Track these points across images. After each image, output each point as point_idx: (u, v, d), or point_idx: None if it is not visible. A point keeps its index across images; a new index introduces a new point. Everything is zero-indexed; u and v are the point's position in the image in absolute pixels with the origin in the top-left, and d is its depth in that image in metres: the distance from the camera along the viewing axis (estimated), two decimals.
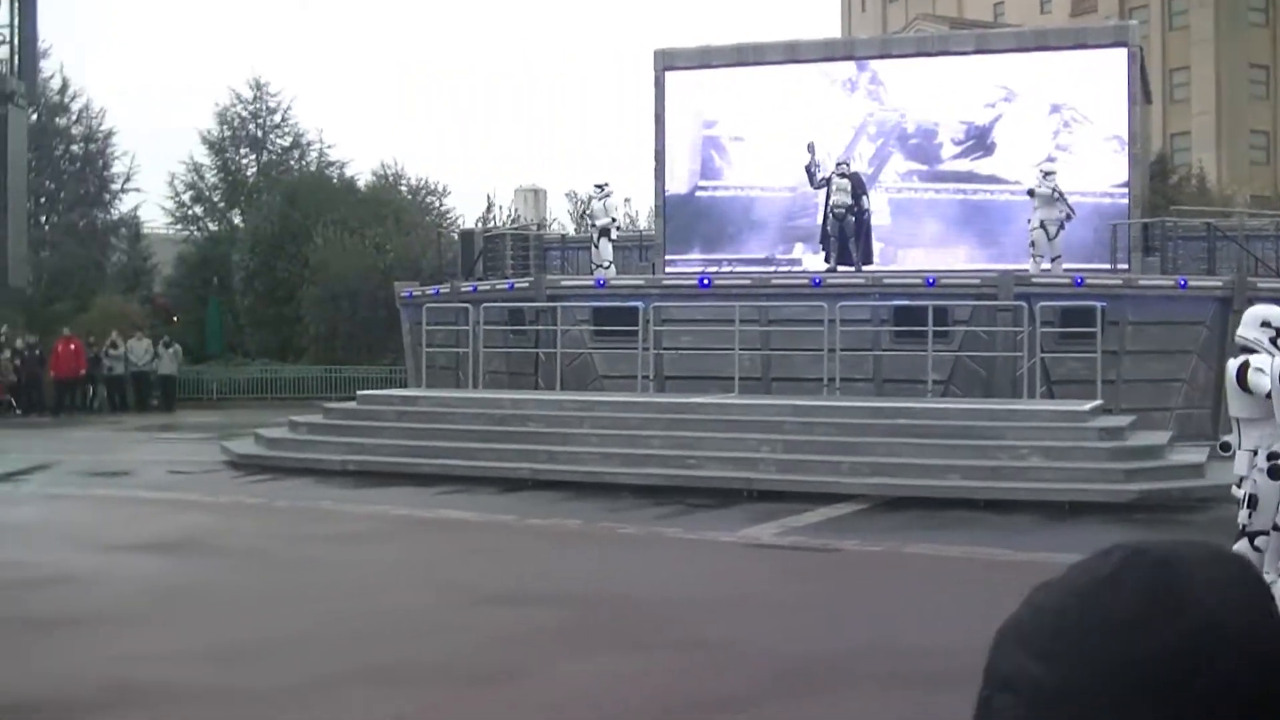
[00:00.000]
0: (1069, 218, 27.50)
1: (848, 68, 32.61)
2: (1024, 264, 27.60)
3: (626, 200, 46.35)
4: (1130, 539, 1.34)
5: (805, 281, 27.11)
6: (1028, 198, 27.75)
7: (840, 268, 28.43)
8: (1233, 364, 10.40)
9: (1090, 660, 1.27)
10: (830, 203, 28.96)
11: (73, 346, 39.90)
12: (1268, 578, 9.91)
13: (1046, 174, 27.75)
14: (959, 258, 30.57)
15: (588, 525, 17.35)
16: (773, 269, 30.49)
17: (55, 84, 57.15)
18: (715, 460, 21.00)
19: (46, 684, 9.43)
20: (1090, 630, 1.27)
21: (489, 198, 51.99)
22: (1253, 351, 10.20)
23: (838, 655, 10.14)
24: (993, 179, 31.20)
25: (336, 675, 9.61)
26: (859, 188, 29.08)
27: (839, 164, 29.12)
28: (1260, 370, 9.89)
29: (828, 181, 29.05)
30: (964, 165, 31.51)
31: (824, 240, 29.50)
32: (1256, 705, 1.26)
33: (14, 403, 39.72)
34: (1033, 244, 27.70)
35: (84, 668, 9.89)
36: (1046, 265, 27.27)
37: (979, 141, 31.42)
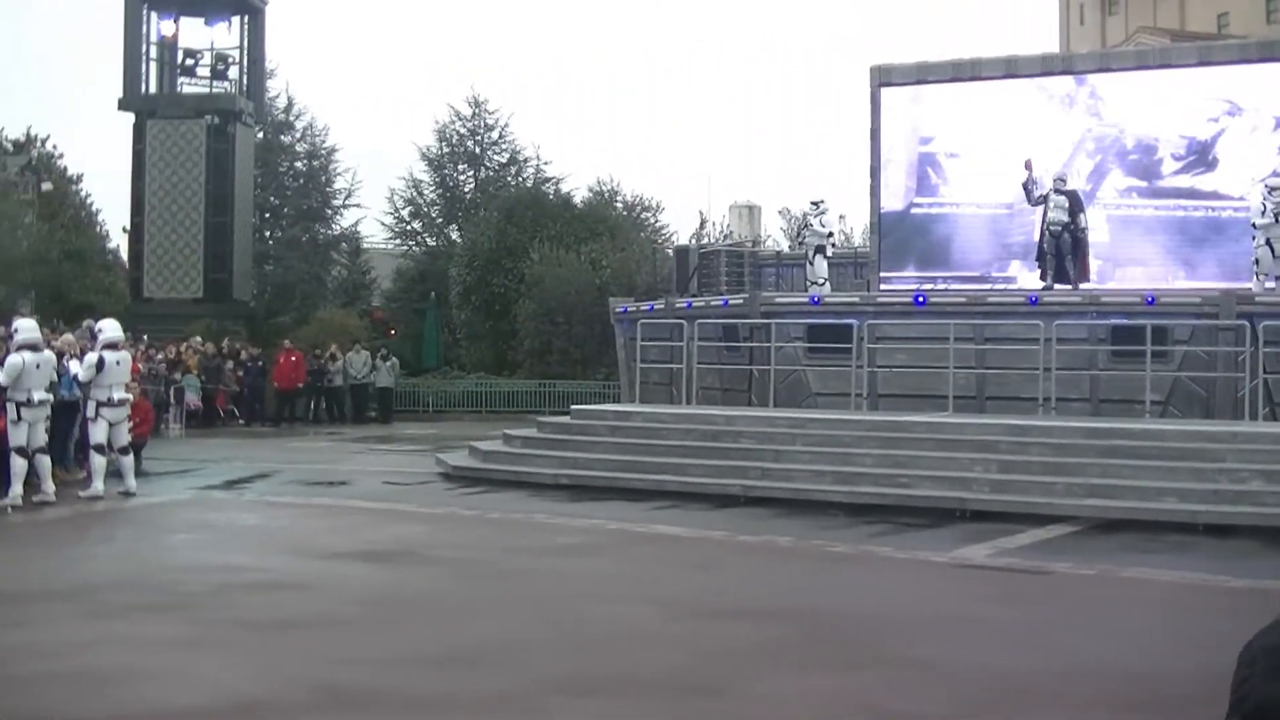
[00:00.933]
0: None
1: (1066, 82, 32.20)
2: (1247, 283, 27.05)
3: (841, 217, 46.28)
4: None
5: (1022, 299, 26.81)
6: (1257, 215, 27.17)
7: (1057, 285, 28.10)
8: None
9: None
10: (1046, 220, 28.64)
11: (293, 358, 40.80)
12: None
13: (1272, 189, 27.15)
14: (1179, 276, 30.03)
15: (799, 542, 17.37)
16: (988, 286, 30.21)
17: (280, 103, 58.73)
18: (928, 479, 20.91)
19: (260, 686, 9.72)
20: None
21: (701, 214, 52.23)
22: None
23: (1046, 678, 10.06)
24: (1215, 195, 30.57)
25: (545, 685, 9.77)
26: (1076, 205, 28.73)
27: (1056, 180, 28.78)
28: None
29: (1045, 198, 28.72)
30: (1185, 181, 30.91)
31: (1040, 258, 29.17)
32: None
33: (237, 412, 40.71)
34: (1257, 261, 27.12)
35: (297, 671, 10.18)
36: (1271, 284, 26.66)
37: (1200, 157, 30.81)
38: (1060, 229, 28.35)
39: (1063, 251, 28.43)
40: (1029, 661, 10.60)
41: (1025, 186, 29.17)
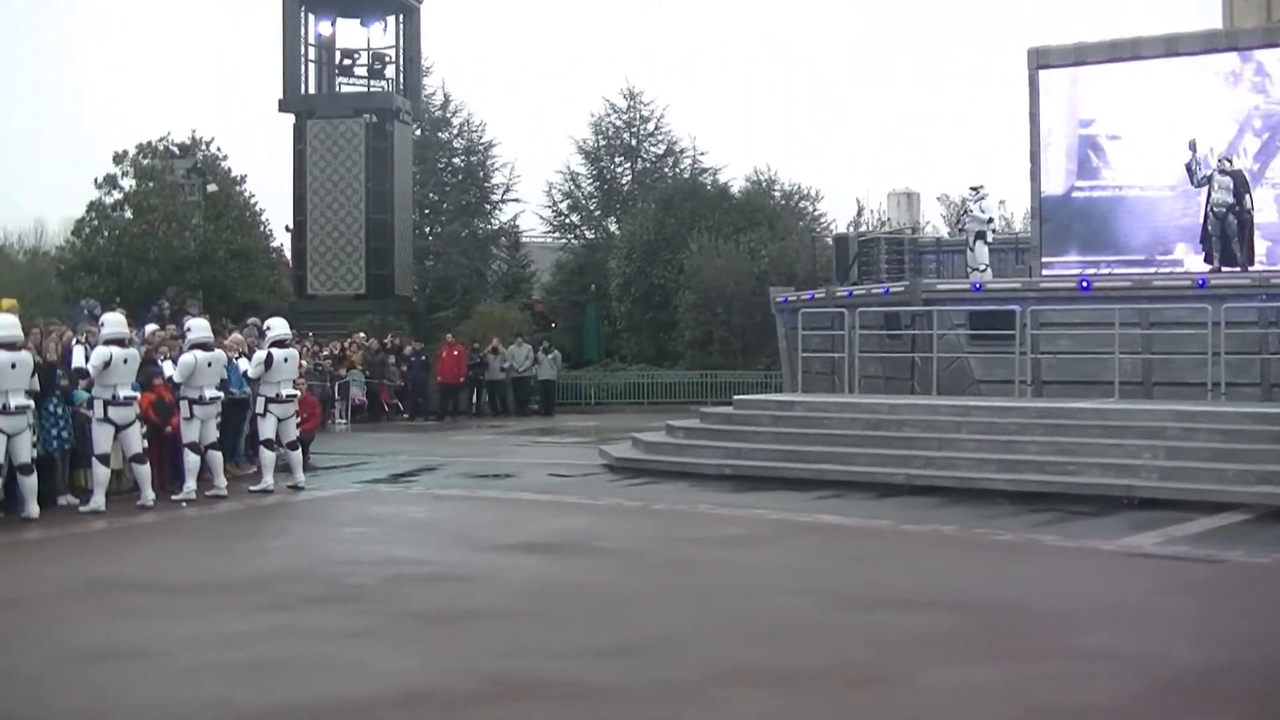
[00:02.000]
0: None
1: (1230, 59, 31.57)
2: None
3: (1002, 202, 45.89)
4: None
5: (1189, 283, 26.38)
6: None
7: (1224, 268, 27.63)
8: None
9: None
10: (1211, 201, 28.17)
11: (455, 352, 41.09)
12: None
13: None
14: None
15: (963, 531, 17.23)
16: (1153, 270, 29.76)
17: (437, 100, 59.26)
18: (1094, 466, 20.64)
19: (430, 676, 9.82)
20: None
21: (859, 202, 51.98)
22: None
23: (1220, 671, 9.89)
24: None
25: (710, 676, 9.77)
26: (1241, 185, 28.20)
27: (1221, 160, 28.30)
28: None
29: (1209, 179, 28.26)
30: None
31: (1205, 240, 28.69)
32: None
33: (401, 407, 41.18)
34: None
35: (466, 662, 10.27)
36: None
37: None
38: (1225, 210, 27.87)
39: (1228, 234, 27.95)
40: (1202, 654, 10.43)
41: (1189, 167, 28.72)
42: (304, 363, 26.87)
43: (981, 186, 31.77)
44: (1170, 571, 14.59)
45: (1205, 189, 28.36)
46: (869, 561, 15.29)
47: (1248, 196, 28.20)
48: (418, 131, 55.65)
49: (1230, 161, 28.39)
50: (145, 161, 52.51)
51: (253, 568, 14.87)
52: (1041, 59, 32.84)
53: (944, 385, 26.32)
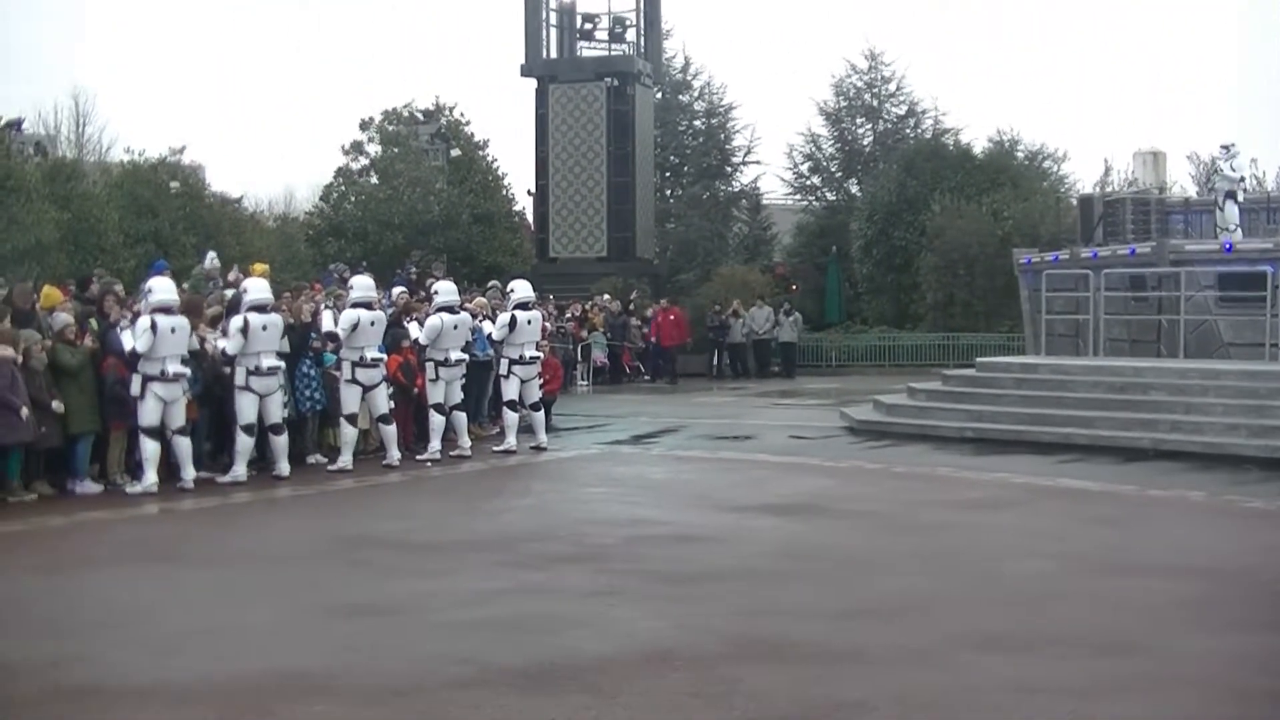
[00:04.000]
0: None
1: None
2: None
3: (1253, 160, 44.63)
4: None
5: None
6: None
7: None
8: None
9: None
10: None
11: (671, 316, 41.07)
12: None
13: None
14: None
15: (1211, 498, 16.95)
16: None
17: (678, 63, 59.40)
18: None
19: (674, 635, 9.97)
20: None
21: (1106, 162, 51.06)
22: None
23: None
24: None
25: (955, 640, 9.79)
26: None
27: None
28: None
29: None
30: None
31: None
32: None
33: (642, 368, 41.45)
34: None
35: (709, 621, 10.41)
36: None
37: None
38: None
39: None
40: None
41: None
42: (547, 325, 27.22)
43: (1233, 144, 30.99)
44: None
45: None
46: (1115, 526, 15.13)
47: None
48: (658, 95, 55.84)
49: None
50: (390, 128, 53.52)
51: (498, 527, 15.19)
52: None
53: (1191, 348, 25.79)
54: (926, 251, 46.08)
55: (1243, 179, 31.58)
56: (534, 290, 23.30)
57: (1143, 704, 8.42)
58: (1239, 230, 29.75)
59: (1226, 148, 30.97)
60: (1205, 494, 17.18)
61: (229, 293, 21.08)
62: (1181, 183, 53.87)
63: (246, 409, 18.37)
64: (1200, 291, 26.36)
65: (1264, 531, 15.02)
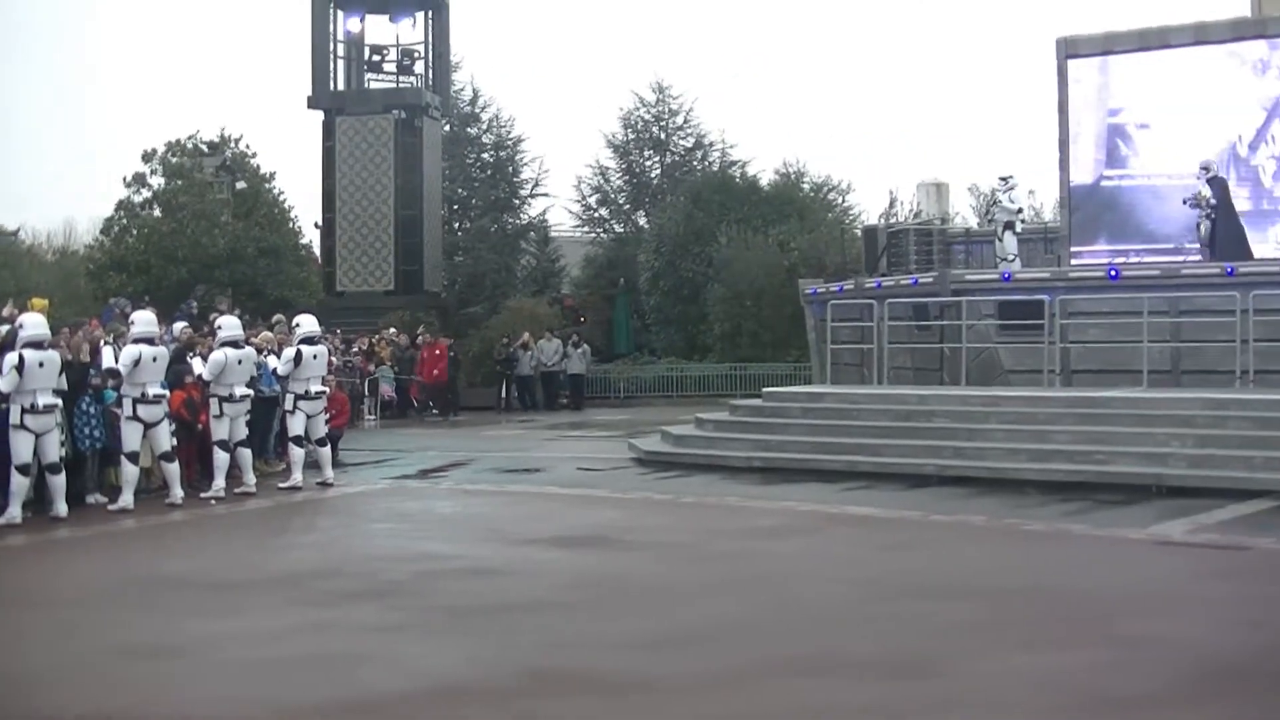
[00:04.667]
0: None
1: (1258, 47, 31.49)
2: None
3: (1031, 192, 45.68)
4: None
5: (1218, 270, 26.28)
6: None
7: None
8: None
9: None
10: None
11: (437, 351, 40.58)
12: None
13: None
14: None
15: (994, 521, 17.27)
16: (1182, 259, 29.68)
17: (466, 95, 59.29)
18: (1123, 455, 20.63)
19: (467, 670, 9.89)
20: None
21: (890, 193, 51.80)
22: None
23: (1260, 655, 9.93)
24: None
25: (754, 667, 9.83)
26: (1221, 191, 28.40)
27: (1201, 171, 28.59)
28: None
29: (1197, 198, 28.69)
30: None
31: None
32: None
33: (431, 403, 41.21)
34: None
35: (502, 655, 10.34)
36: None
37: None
38: (1205, 215, 28.33)
39: (1205, 240, 28.40)
40: (1238, 639, 10.46)
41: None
42: (333, 359, 26.97)
43: (1011, 176, 31.72)
44: (1200, 559, 14.64)
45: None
46: (903, 551, 15.33)
47: (1230, 202, 28.39)
48: (447, 127, 55.70)
49: (1208, 170, 28.54)
50: (174, 160, 52.60)
51: (285, 564, 14.98)
52: (1070, 48, 32.83)
53: (973, 376, 26.31)
54: (714, 283, 46.46)
55: (1021, 210, 32.28)
56: (320, 324, 23.07)
57: None
58: (1017, 260, 30.46)
59: (1005, 179, 31.68)
60: (987, 517, 17.50)
61: (3, 329, 20.51)
62: (963, 213, 55.04)
63: (22, 448, 17.87)
64: (981, 320, 26.91)
65: (1044, 553, 15.33)
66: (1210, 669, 9.57)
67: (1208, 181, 28.40)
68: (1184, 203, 29.11)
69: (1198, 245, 29.14)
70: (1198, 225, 28.82)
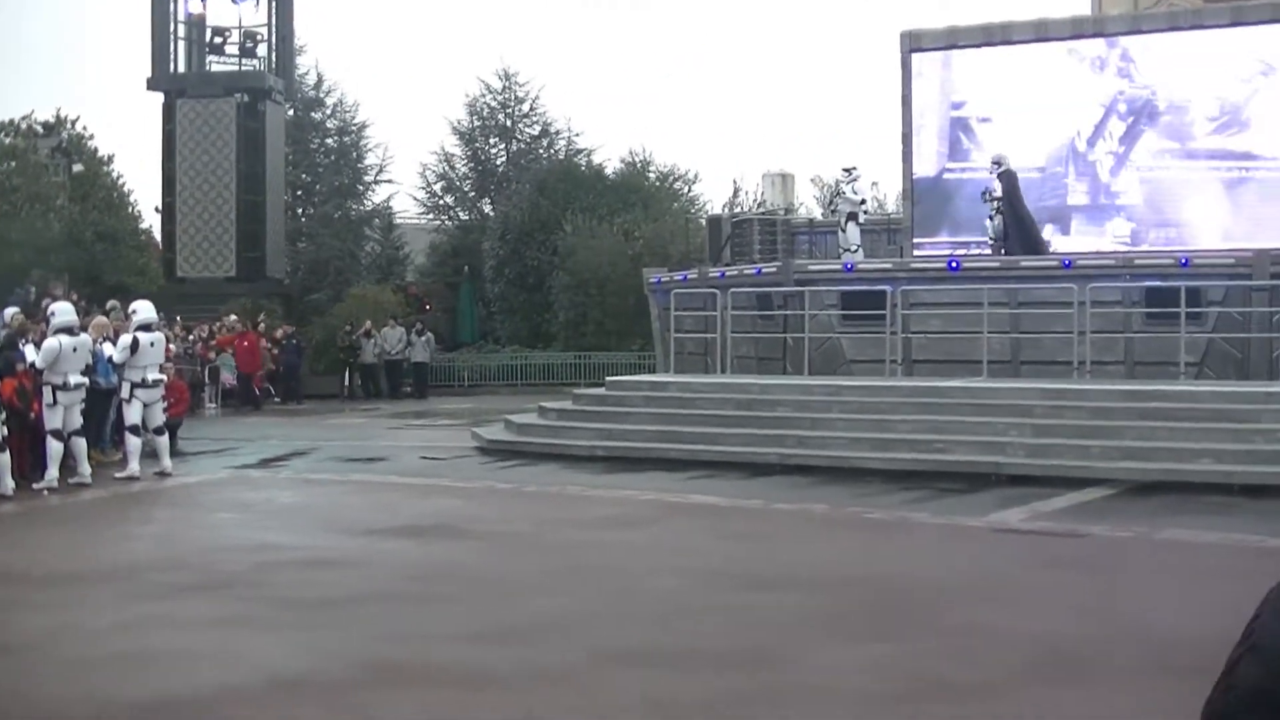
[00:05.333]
0: None
1: (1097, 45, 32.04)
2: None
3: (874, 184, 46.06)
4: None
5: (1055, 263, 26.73)
6: None
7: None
8: None
9: None
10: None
11: (246, 343, 39.78)
12: None
13: None
14: (1214, 237, 29.90)
15: (835, 510, 17.39)
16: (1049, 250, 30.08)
17: (311, 79, 58.71)
18: (963, 444, 20.90)
19: (304, 663, 9.76)
20: None
21: (735, 183, 52.07)
22: None
23: (1091, 642, 10.05)
24: (1248, 155, 30.42)
25: (594, 658, 9.80)
26: (1010, 186, 29.02)
27: (993, 165, 29.16)
28: None
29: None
30: (1218, 142, 30.75)
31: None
32: None
33: (273, 390, 40.81)
34: None
35: (341, 647, 10.21)
36: None
37: (1234, 117, 30.65)
38: (994, 211, 28.96)
39: (998, 234, 29.01)
40: (1071, 626, 10.59)
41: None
42: (172, 346, 26.55)
43: (854, 168, 31.99)
44: (1037, 546, 14.82)
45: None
46: (744, 541, 15.38)
47: (1019, 197, 28.98)
48: (290, 112, 55.11)
49: (999, 165, 29.09)
50: (7, 141, 51.57)
51: (120, 557, 14.70)
52: (914, 42, 33.14)
53: (816, 365, 26.51)
54: (559, 271, 46.47)
55: (864, 201, 32.59)
56: (160, 311, 22.70)
57: (773, 715, 8.54)
58: (860, 250, 30.71)
59: (849, 170, 31.94)
60: (829, 506, 17.62)
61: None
62: (807, 204, 55.41)
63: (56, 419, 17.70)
64: (824, 310, 27.11)
65: (885, 542, 15.46)
66: (1042, 656, 9.68)
67: (998, 176, 28.89)
68: (981, 197, 29.67)
69: (988, 240, 29.78)
70: (989, 219, 29.37)
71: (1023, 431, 20.99)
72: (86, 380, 20.76)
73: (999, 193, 29.01)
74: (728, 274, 30.05)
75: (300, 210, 58.24)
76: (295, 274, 54.77)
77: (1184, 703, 8.29)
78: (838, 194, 33.58)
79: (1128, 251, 28.54)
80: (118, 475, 21.09)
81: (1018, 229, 28.90)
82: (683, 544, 15.17)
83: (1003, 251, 28.65)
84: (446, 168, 58.89)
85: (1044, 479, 19.18)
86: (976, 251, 30.59)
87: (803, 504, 17.85)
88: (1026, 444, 20.65)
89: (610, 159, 56.71)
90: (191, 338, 37.15)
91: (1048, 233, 30.97)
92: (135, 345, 21.00)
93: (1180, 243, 29.33)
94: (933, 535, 15.78)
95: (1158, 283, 24.93)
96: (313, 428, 31.63)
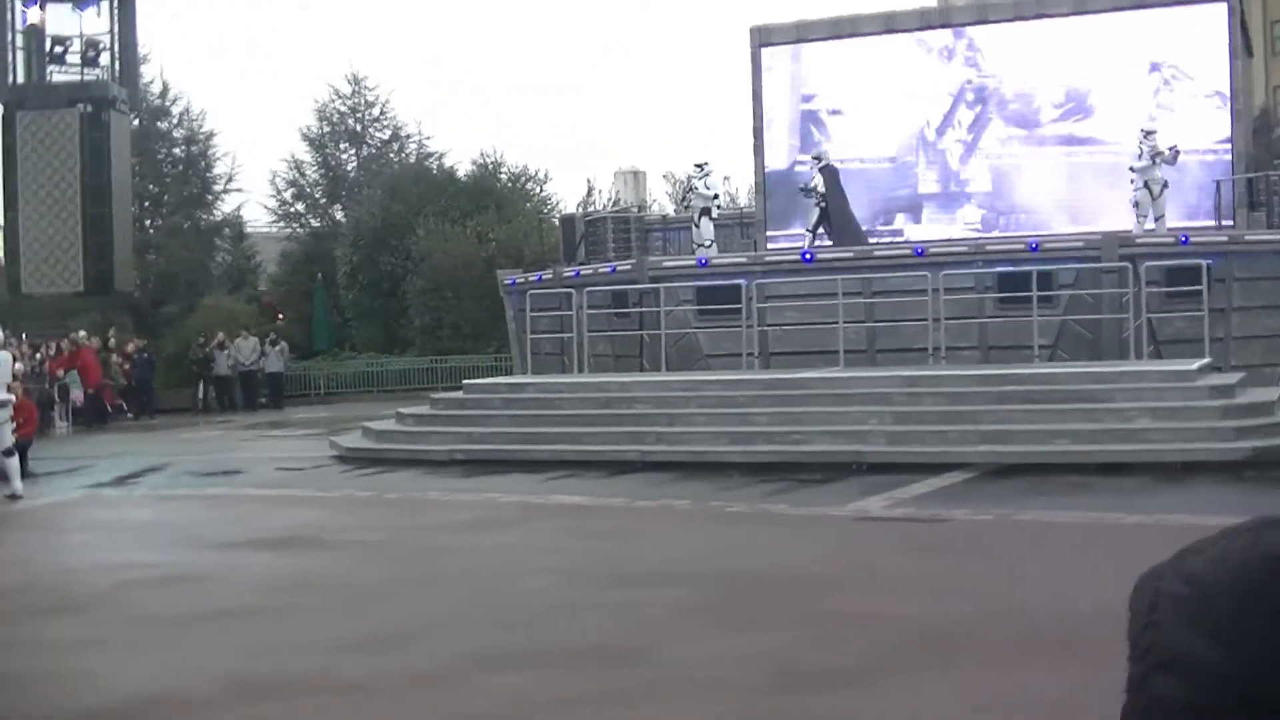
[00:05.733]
0: (1175, 153, 27.35)
1: (944, 35, 32.44)
2: (1128, 225, 27.39)
3: (726, 178, 46.24)
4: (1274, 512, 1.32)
5: (908, 251, 27.00)
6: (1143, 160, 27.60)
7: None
8: None
9: (1272, 646, 1.26)
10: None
11: (82, 361, 38.55)
12: None
13: (1147, 134, 27.61)
14: (1062, 221, 30.35)
15: (697, 505, 17.40)
16: (874, 240, 30.37)
17: (156, 88, 57.89)
18: (823, 435, 21.00)
19: (166, 681, 9.57)
20: (1274, 614, 1.27)
21: (589, 182, 52.16)
22: None
23: (958, 624, 10.11)
24: (1093, 140, 30.96)
25: (463, 663, 9.69)
26: (830, 179, 29.55)
27: (814, 157, 29.66)
28: None
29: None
30: (1064, 128, 31.26)
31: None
32: None
33: (125, 407, 40.20)
34: (1136, 204, 27.56)
35: (204, 663, 10.03)
36: (1151, 225, 27.12)
37: (1078, 104, 31.16)
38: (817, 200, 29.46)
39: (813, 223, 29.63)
40: (936, 609, 10.64)
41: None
42: (19, 365, 26.03)
43: (706, 163, 32.05)
44: (899, 533, 14.92)
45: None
46: (608, 539, 15.34)
47: (840, 191, 29.50)
48: (136, 121, 54.21)
49: (820, 160, 29.61)
50: None
51: None
52: (764, 37, 33.34)
53: (673, 361, 26.53)
54: (413, 276, 46.21)
55: (716, 196, 32.66)
56: (4, 328, 22.24)
57: (651, 710, 8.50)
58: (714, 245, 30.78)
59: (701, 166, 32.00)
60: (691, 501, 17.63)
61: None
62: (660, 201, 55.53)
63: None
64: (680, 306, 27.16)
65: (748, 534, 15.47)
66: (911, 640, 9.72)
67: (820, 170, 29.26)
68: (801, 191, 30.14)
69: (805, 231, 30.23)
70: (811, 212, 29.80)
71: (882, 419, 21.13)
72: None
73: (820, 186, 29.38)
74: (582, 273, 30.02)
75: (149, 222, 57.40)
76: (145, 287, 53.96)
77: (1056, 678, 8.36)
78: (690, 190, 33.62)
79: (979, 238, 28.90)
80: None
81: (839, 220, 29.27)
82: (548, 544, 15.09)
83: (815, 242, 29.18)
84: (297, 175, 58.39)
85: (904, 466, 19.33)
86: (830, 243, 30.80)
87: (665, 500, 17.86)
88: (886, 431, 20.80)
89: (462, 161, 56.70)
90: (39, 356, 36.45)
91: (900, 222, 31.30)
92: None
93: (1030, 228, 29.76)
94: (795, 526, 15.84)
95: (1009, 268, 25.24)
96: (167, 443, 31.18)
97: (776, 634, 10.15)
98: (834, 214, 29.24)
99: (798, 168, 32.83)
